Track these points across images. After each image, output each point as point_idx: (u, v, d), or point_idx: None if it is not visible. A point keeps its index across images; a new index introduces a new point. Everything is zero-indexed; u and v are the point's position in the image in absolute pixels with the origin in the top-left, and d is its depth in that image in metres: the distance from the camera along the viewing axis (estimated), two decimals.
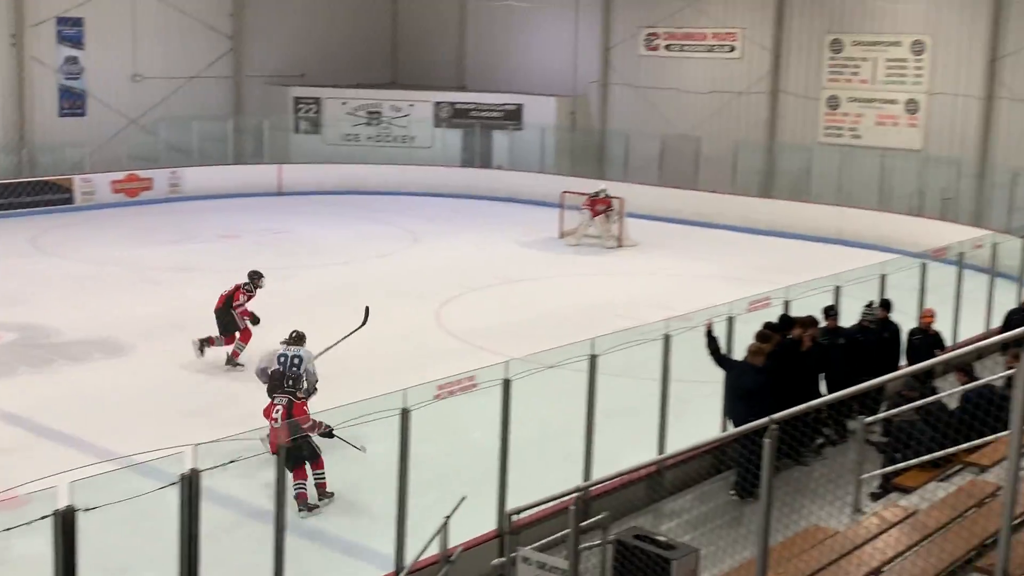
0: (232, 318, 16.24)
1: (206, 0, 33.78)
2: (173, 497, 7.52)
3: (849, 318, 13.53)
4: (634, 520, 10.21)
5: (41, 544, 6.91)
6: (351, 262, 23.50)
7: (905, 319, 14.35)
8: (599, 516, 8.42)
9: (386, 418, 9.14)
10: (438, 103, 35.12)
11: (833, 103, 30.18)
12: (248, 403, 14.45)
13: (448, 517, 8.72)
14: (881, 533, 7.59)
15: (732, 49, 32.00)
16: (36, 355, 16.71)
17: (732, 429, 11.07)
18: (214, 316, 16.43)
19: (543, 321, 18.82)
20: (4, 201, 28.16)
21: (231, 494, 10.88)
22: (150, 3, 32.37)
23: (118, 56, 31.98)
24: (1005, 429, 6.64)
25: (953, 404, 10.39)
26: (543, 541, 8.21)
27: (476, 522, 9.73)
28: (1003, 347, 12.61)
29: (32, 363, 16.35)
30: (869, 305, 13.50)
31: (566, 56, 35.33)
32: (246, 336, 16.22)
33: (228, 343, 16.25)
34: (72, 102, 31.30)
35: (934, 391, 10.34)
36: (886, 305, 13.67)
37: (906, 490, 9.17)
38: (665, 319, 11.83)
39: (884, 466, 9.96)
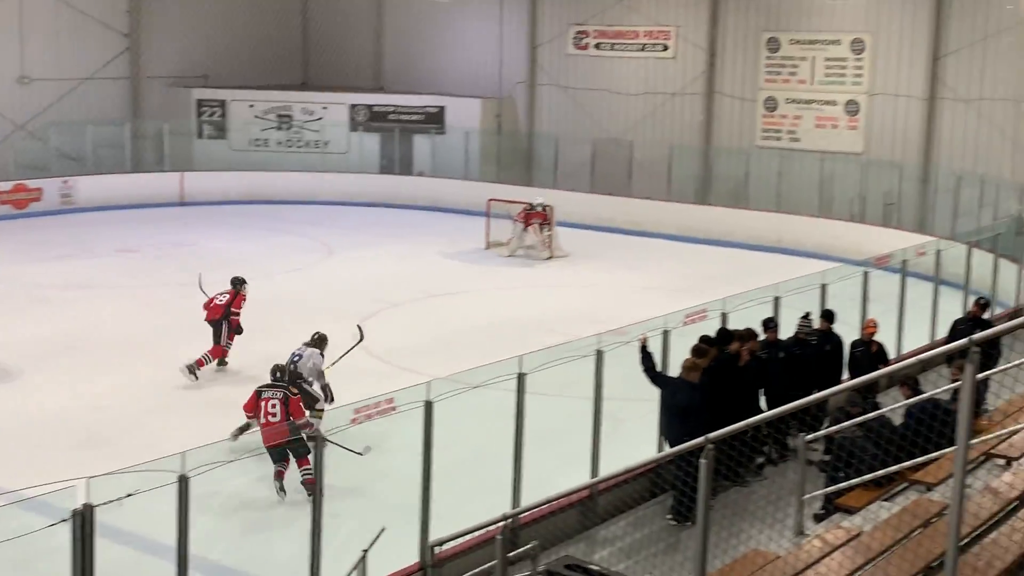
0: (226, 327, 16.96)
1: None
2: (65, 535, 7.37)
3: (790, 330, 13.72)
4: (566, 548, 10.23)
5: None
6: (260, 277, 23.22)
7: (847, 330, 14.59)
8: (528, 545, 8.42)
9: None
10: (354, 105, 34.98)
11: (771, 105, 30.66)
12: (150, 432, 14.24)
13: (366, 550, 8.65)
14: (824, 557, 7.68)
15: (665, 48, 32.37)
16: None
17: (668, 450, 11.15)
18: (211, 326, 16.93)
19: (468, 338, 18.79)
20: None
21: (129, 530, 10.69)
22: None
23: (3, 56, 31.38)
24: (951, 445, 6.78)
25: (898, 419, 10.58)
26: (469, 574, 8.19)
27: (396, 555, 9.68)
28: (948, 359, 12.90)
29: None
30: (805, 316, 13.69)
31: (491, 55, 35.43)
32: (232, 336, 16.94)
33: (215, 355, 16.85)
34: None
35: (876, 406, 10.51)
36: (828, 316, 13.89)
37: (850, 511, 9.31)
38: (597, 334, 11.90)
39: (827, 486, 10.10)
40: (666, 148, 31.97)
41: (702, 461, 6.91)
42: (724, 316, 13.21)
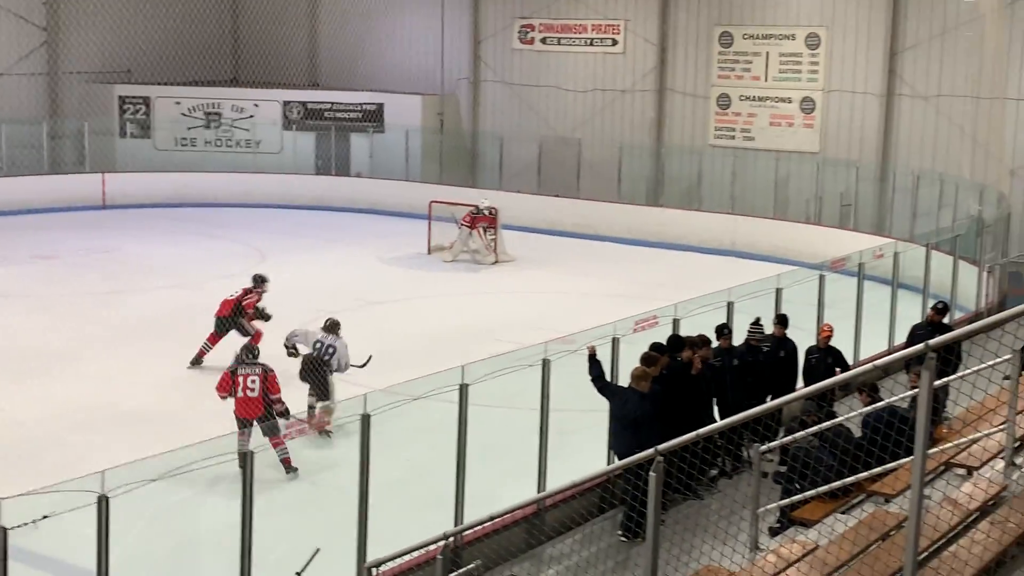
0: (238, 324, 17.48)
1: None
2: None
3: (744, 337, 13.82)
4: (511, 568, 10.23)
5: None
6: (187, 285, 23.06)
7: (803, 336, 14.73)
8: (471, 565, 8.41)
9: (226, 462, 8.99)
10: (287, 103, 34.78)
11: (724, 102, 30.90)
12: (72, 449, 14.05)
13: (299, 573, 8.59)
14: (779, 573, 7.74)
15: (614, 43, 32.52)
16: None
17: (617, 462, 11.18)
18: (215, 321, 17.50)
19: (408, 348, 18.73)
20: None
21: (46, 553, 10.53)
22: None
23: None
24: (910, 454, 6.85)
25: (856, 428, 10.69)
26: None
27: None
28: (906, 365, 13.06)
29: None
30: (756, 322, 13.79)
31: (432, 50, 35.41)
32: (258, 337, 17.08)
33: (212, 342, 17.37)
34: None
35: (832, 415, 10.61)
36: (782, 321, 14.00)
37: (806, 524, 9.39)
38: (544, 342, 11.91)
39: (782, 498, 10.18)
40: (616, 147, 32.11)
41: (652, 474, 6.93)
42: (676, 322, 13.29)
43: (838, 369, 13.60)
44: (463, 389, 10.67)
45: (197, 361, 17.52)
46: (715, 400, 13.08)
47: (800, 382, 13.82)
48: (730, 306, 14.07)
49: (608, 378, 11.94)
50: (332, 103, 34.82)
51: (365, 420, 9.92)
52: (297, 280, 23.18)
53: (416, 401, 10.61)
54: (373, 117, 34.57)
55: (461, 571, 8.32)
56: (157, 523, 11.74)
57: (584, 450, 13.18)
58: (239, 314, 17.59)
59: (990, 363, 9.16)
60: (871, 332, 16.83)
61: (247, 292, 17.86)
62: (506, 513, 9.28)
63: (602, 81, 32.80)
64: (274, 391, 13.43)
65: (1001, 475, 8.52)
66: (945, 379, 10.19)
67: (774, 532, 9.96)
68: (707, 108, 31.23)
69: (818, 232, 27.04)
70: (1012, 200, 25.33)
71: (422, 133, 34.30)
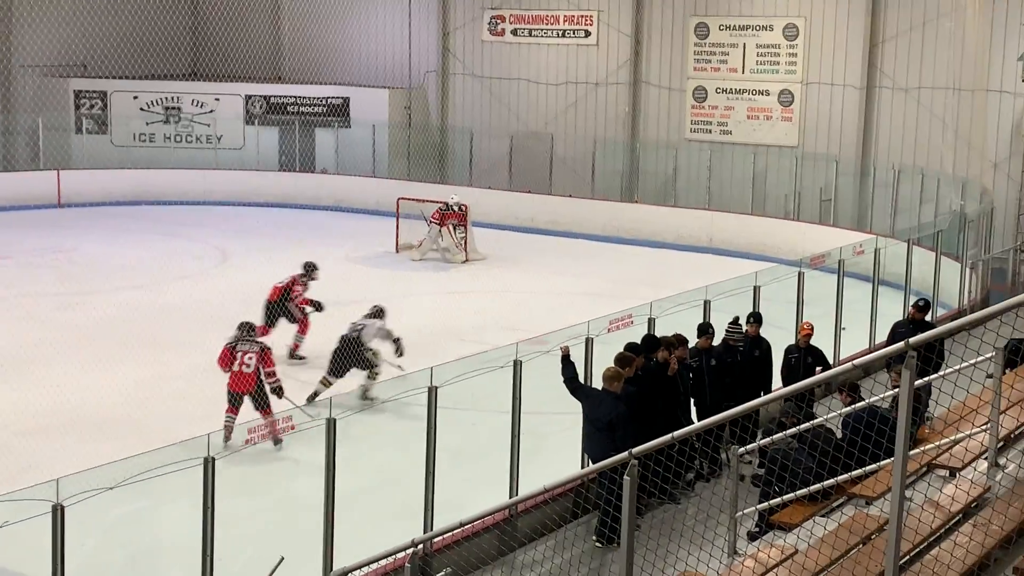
0: (286, 310, 18.05)
1: None
2: None
3: (722, 336, 13.84)
4: (483, 575, 10.22)
5: None
6: (147, 285, 22.93)
7: (783, 335, 14.80)
8: (441, 573, 8.39)
9: (187, 469, 8.94)
10: (249, 97, 34.65)
11: (700, 95, 30.98)
12: (25, 456, 13.94)
13: None
14: None
15: (587, 34, 32.55)
16: None
17: (591, 466, 11.19)
18: (264, 308, 18.00)
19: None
20: None
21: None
22: None
23: None
24: (891, 455, 6.87)
25: (836, 428, 10.73)
26: None
27: None
28: (888, 364, 13.11)
29: None
30: (734, 322, 13.82)
31: (399, 42, 35.34)
32: (304, 328, 18.06)
33: (263, 333, 17.11)
34: None
35: (811, 416, 10.64)
36: (757, 319, 14.04)
37: (785, 527, 9.42)
38: (515, 343, 11.91)
39: (761, 501, 10.21)
40: (589, 142, 32.14)
41: (626, 478, 6.93)
42: (651, 322, 13.32)
43: (819, 369, 13.66)
44: (432, 392, 10.65)
45: (293, 355, 18.18)
46: (693, 401, 13.13)
47: (778, 382, 13.87)
48: (707, 304, 14.11)
49: (582, 379, 11.95)
50: (296, 97, 34.72)
51: (330, 425, 9.89)
52: (260, 280, 23.00)
53: (383, 405, 10.59)
54: (339, 111, 34.47)
55: None
56: (115, 532, 11.68)
57: (557, 454, 13.20)
58: (287, 299, 18.11)
59: (972, 361, 9.21)
60: (852, 330, 16.90)
61: (296, 279, 18.44)
62: (477, 519, 9.26)
63: (575, 74, 32.82)
64: (268, 366, 14.44)
65: (984, 476, 8.57)
66: (927, 378, 10.23)
67: (752, 536, 9.99)
68: (683, 101, 31.29)
69: (797, 228, 27.16)
70: (995, 194, 25.50)
71: (389, 128, 34.23)
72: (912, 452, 9.07)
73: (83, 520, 9.33)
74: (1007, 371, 10.45)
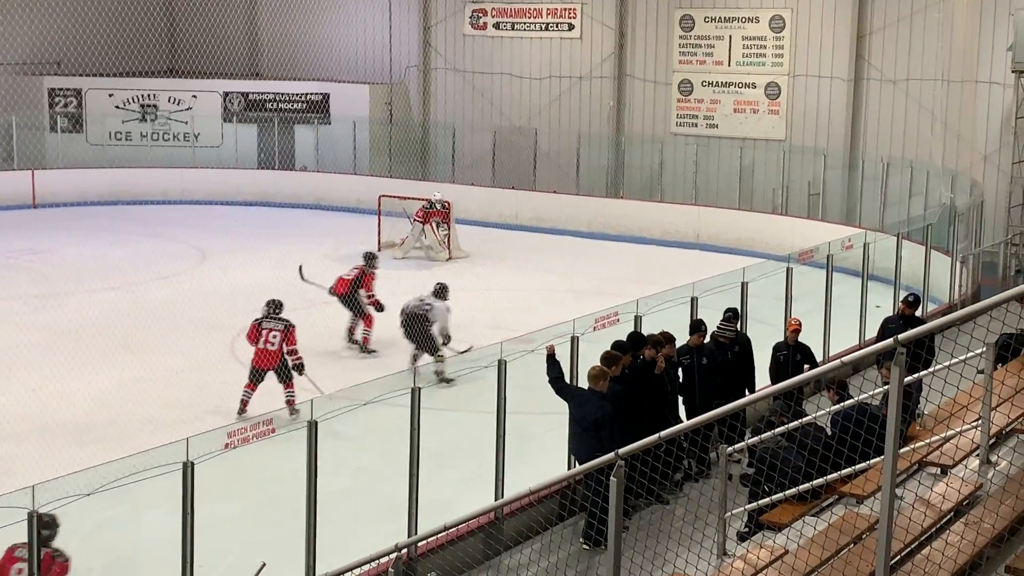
0: (358, 302, 18.69)
1: None
2: None
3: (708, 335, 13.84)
4: None
5: None
6: (124, 287, 22.84)
7: (772, 332, 14.81)
8: None
9: (165, 475, 8.90)
10: (227, 93, 34.55)
11: (686, 88, 31.01)
12: (2, 461, 13.88)
13: None
14: None
15: (571, 27, 32.55)
16: None
17: (577, 467, 11.18)
18: (340, 301, 18.73)
19: (357, 350, 18.68)
20: None
21: None
22: None
23: None
24: (882, 453, 6.87)
25: (825, 426, 10.75)
26: None
27: None
28: (878, 360, 13.13)
29: None
30: (728, 319, 13.80)
31: (380, 36, 35.29)
32: (370, 321, 18.75)
33: (368, 325, 18.65)
34: None
35: (800, 414, 10.66)
36: (734, 315, 14.05)
37: (775, 527, 9.43)
38: (500, 342, 11.89)
39: (750, 501, 10.22)
40: (574, 137, 32.14)
41: (612, 479, 6.92)
42: (638, 319, 13.31)
43: (807, 366, 13.67)
44: (415, 393, 10.64)
45: (363, 345, 18.81)
46: (682, 400, 13.14)
47: (766, 380, 13.87)
48: (694, 301, 14.11)
49: (568, 379, 11.94)
50: (275, 93, 34.63)
51: (312, 427, 9.86)
52: (239, 280, 23.00)
53: (366, 406, 10.56)
54: (318, 108, 34.39)
55: None
56: (93, 539, 11.63)
57: (543, 455, 13.18)
58: (357, 289, 18.73)
59: (963, 357, 9.22)
60: (841, 326, 16.93)
61: (362, 270, 19.03)
62: (462, 522, 9.26)
63: (558, 68, 32.82)
64: (291, 344, 15.42)
65: (976, 474, 8.59)
66: (917, 374, 10.25)
67: (742, 537, 10.00)
68: (668, 95, 31.32)
69: (785, 223, 27.20)
70: (985, 187, 25.58)
71: (370, 124, 34.17)
72: (903, 450, 9.10)
73: (60, 527, 9.29)
74: (998, 367, 10.48)
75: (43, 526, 8.67)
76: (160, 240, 27.87)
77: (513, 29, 33.41)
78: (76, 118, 34.11)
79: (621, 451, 7.09)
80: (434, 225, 26.40)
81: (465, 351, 16.71)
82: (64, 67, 34.59)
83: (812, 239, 20.81)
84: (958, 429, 9.29)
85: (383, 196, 27.60)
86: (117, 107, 34.18)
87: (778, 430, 10.10)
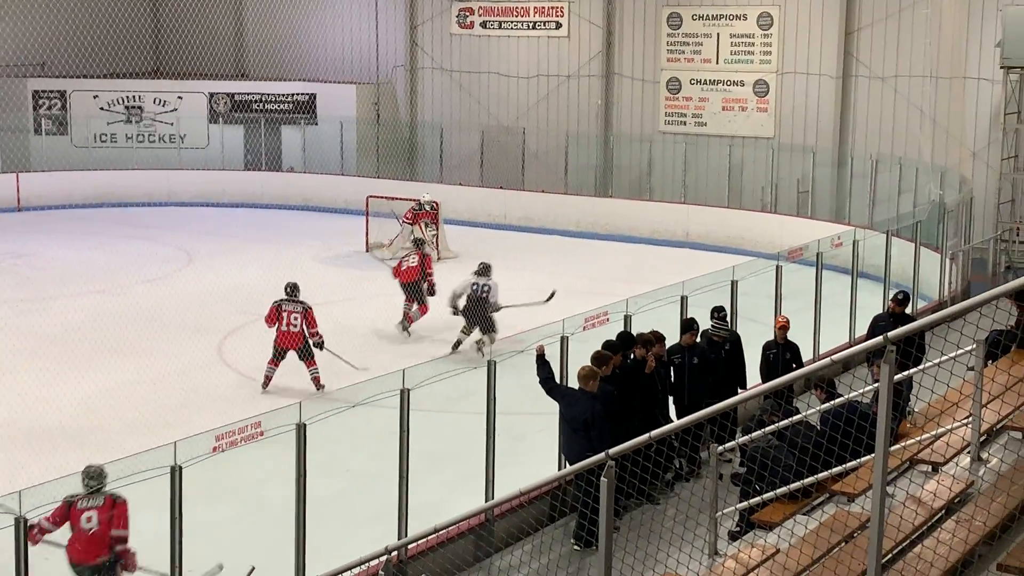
0: (420, 289, 19.80)
1: None
2: None
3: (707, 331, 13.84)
4: None
5: None
6: (110, 290, 22.80)
7: (762, 330, 14.82)
8: None
9: (152, 479, 8.89)
10: (213, 94, 34.50)
11: (674, 86, 31.04)
12: None
13: None
14: None
15: (558, 26, 32.56)
16: None
17: (568, 468, 11.19)
18: (403, 288, 19.81)
19: (346, 351, 18.65)
20: None
21: None
22: None
23: None
24: (872, 452, 6.89)
25: (817, 425, 10.77)
26: None
27: None
28: (868, 358, 13.16)
29: None
30: (720, 318, 13.81)
31: (366, 36, 35.27)
32: (424, 309, 19.85)
33: (424, 311, 19.80)
34: None
35: (790, 413, 10.68)
36: (724, 312, 14.06)
37: (766, 526, 9.44)
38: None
39: (741, 500, 10.24)
40: (562, 136, 32.15)
41: (603, 479, 6.92)
42: (627, 319, 13.32)
43: (795, 366, 13.68)
44: (405, 394, 10.63)
45: (406, 327, 19.87)
46: (673, 399, 13.15)
47: (757, 379, 13.88)
48: (684, 300, 14.12)
49: (558, 379, 11.95)
50: (261, 94, 34.58)
51: (300, 430, 9.86)
52: (227, 282, 23.01)
53: (355, 408, 10.56)
54: (305, 108, 34.36)
55: None
56: None
57: (534, 455, 13.20)
58: (424, 278, 19.89)
59: (953, 354, 9.25)
60: (831, 324, 16.97)
61: (421, 255, 20.17)
62: (452, 524, 9.24)
63: (546, 66, 32.83)
64: (312, 325, 16.60)
65: (967, 471, 8.61)
66: (907, 372, 10.27)
67: (733, 536, 10.02)
68: (656, 93, 31.35)
69: (774, 221, 27.24)
70: (974, 183, 25.65)
71: (357, 124, 34.15)
72: (893, 448, 9.11)
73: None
74: (988, 363, 10.51)
75: (95, 477, 9.40)
76: (146, 242, 27.83)
77: (500, 28, 33.41)
78: (61, 120, 34.03)
79: (612, 451, 7.09)
80: (423, 226, 26.39)
81: (549, 298, 18.86)
82: (48, 69, 34.51)
83: (802, 237, 20.87)
84: (949, 426, 9.31)
85: (371, 197, 27.59)
86: (102, 109, 34.10)
87: (768, 429, 10.12)
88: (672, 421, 11.57)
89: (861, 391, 10.80)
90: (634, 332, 12.91)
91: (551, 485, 11.46)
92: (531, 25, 32.96)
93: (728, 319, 14.04)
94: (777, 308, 15.65)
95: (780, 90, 29.66)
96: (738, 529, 10.26)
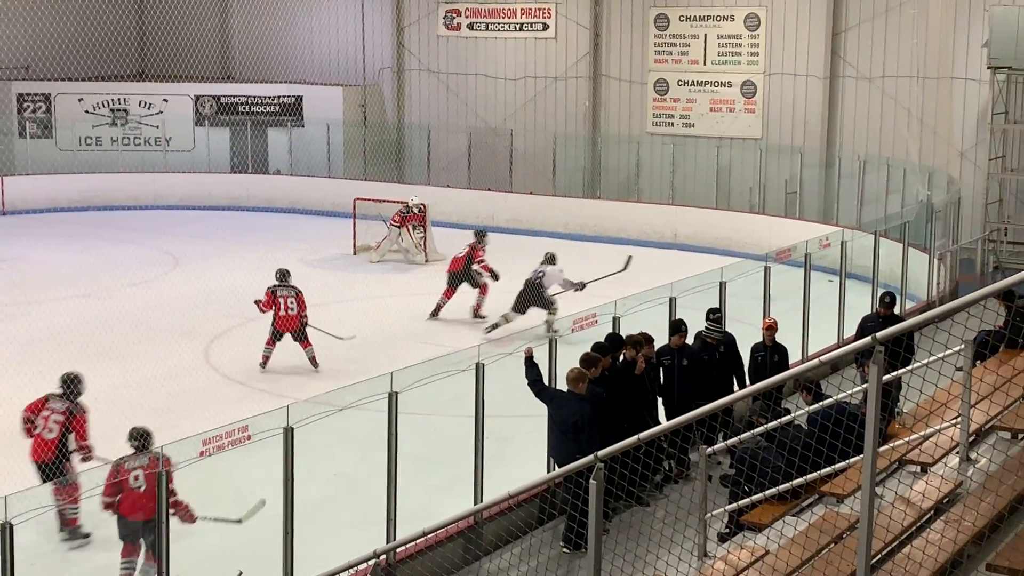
0: (470, 276, 20.95)
1: None
2: None
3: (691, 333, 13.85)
4: None
5: None
6: (95, 294, 22.73)
7: (751, 331, 14.83)
8: None
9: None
10: (198, 97, 34.45)
11: (661, 88, 31.08)
12: None
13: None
14: None
15: (545, 27, 32.58)
16: None
17: (557, 470, 11.19)
18: (448, 276, 21.03)
19: (333, 355, 18.63)
20: None
21: None
22: None
23: None
24: (861, 452, 6.91)
25: (805, 426, 10.79)
26: None
27: None
28: (857, 359, 13.20)
29: None
30: (715, 320, 13.80)
31: (352, 38, 35.25)
32: (484, 289, 20.99)
33: (447, 296, 20.94)
34: None
35: (779, 414, 10.69)
36: (719, 314, 14.06)
37: (755, 528, 9.46)
38: (477, 345, 11.90)
39: (730, 502, 10.25)
40: (549, 137, 32.17)
41: (592, 482, 6.93)
42: (616, 320, 13.32)
43: (784, 367, 13.69)
44: (393, 397, 10.62)
45: (435, 314, 20.92)
46: (662, 401, 13.15)
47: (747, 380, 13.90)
48: (672, 301, 14.13)
49: (546, 381, 11.95)
50: (247, 96, 34.54)
51: (288, 433, 9.84)
52: (213, 286, 22.96)
53: (343, 411, 10.55)
54: (291, 110, 34.32)
55: None
56: (66, 550, 11.58)
57: (523, 458, 13.20)
58: (470, 265, 20.91)
59: (942, 355, 9.28)
60: (819, 325, 16.99)
61: (473, 247, 21.15)
62: (441, 527, 9.25)
63: (533, 68, 32.85)
64: (303, 308, 17.74)
65: (955, 472, 8.64)
66: (896, 372, 10.30)
67: (723, 538, 10.03)
68: (644, 94, 31.39)
69: (762, 222, 27.28)
70: (962, 184, 25.73)
71: (344, 127, 34.13)
72: (882, 448, 9.14)
73: (34, 539, 9.27)
74: (977, 364, 10.55)
75: (140, 437, 10.75)
76: (132, 246, 27.76)
77: (487, 29, 33.42)
78: (45, 123, 33.94)
79: (600, 453, 7.11)
80: (410, 228, 26.39)
81: (626, 265, 20.68)
82: (33, 72, 34.43)
83: (790, 238, 20.89)
84: (937, 427, 9.34)
85: (358, 199, 27.56)
86: (87, 112, 34.02)
87: (757, 430, 10.13)
88: (661, 423, 11.58)
89: (849, 392, 10.83)
90: (623, 334, 12.92)
91: (540, 488, 11.47)
92: (518, 27, 32.98)
93: (719, 321, 14.03)
94: (766, 309, 15.67)
95: (767, 91, 29.71)
96: (727, 531, 10.28)
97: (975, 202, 25.98)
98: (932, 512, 7.94)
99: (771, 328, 14.03)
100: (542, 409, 11.79)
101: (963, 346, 9.02)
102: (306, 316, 17.86)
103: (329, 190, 31.65)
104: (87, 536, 11.71)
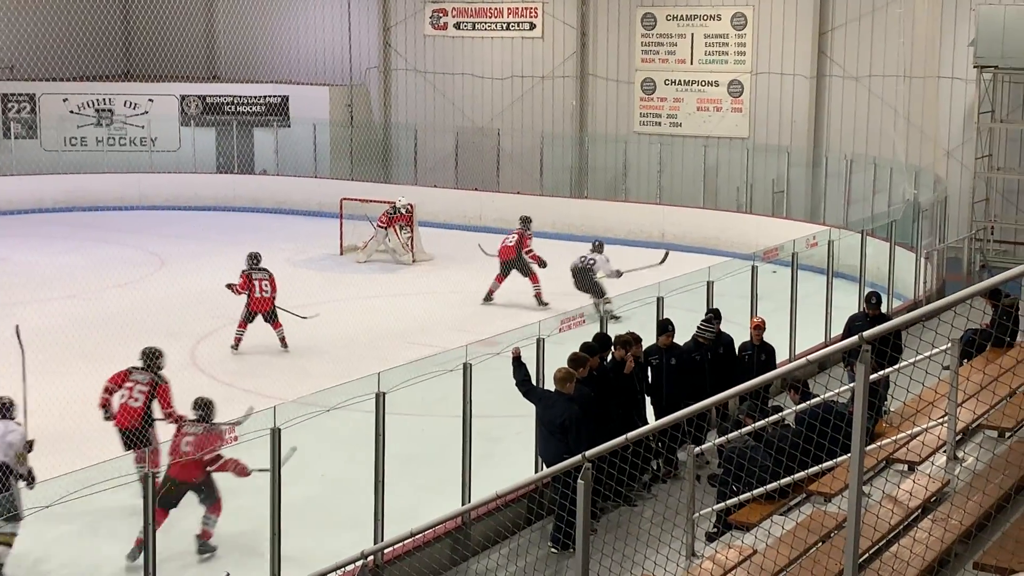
0: (523, 263, 21.57)
1: None
2: None
3: (678, 333, 13.85)
4: None
5: None
6: (80, 295, 22.66)
7: (738, 331, 14.86)
8: None
9: (126, 484, 8.86)
10: (184, 97, 34.38)
11: (649, 87, 31.11)
12: None
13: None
14: None
15: (532, 27, 32.59)
16: None
17: (544, 470, 11.20)
18: (500, 264, 21.70)
19: (320, 355, 18.63)
20: None
21: None
22: None
23: None
24: (849, 451, 6.93)
25: (792, 426, 10.81)
26: None
27: None
28: (845, 358, 13.23)
29: None
30: (709, 320, 13.79)
31: (339, 37, 35.23)
32: (535, 277, 21.59)
33: (499, 281, 21.70)
34: None
35: (768, 413, 10.71)
36: (716, 315, 14.08)
37: (744, 527, 9.48)
38: (465, 345, 11.90)
39: (718, 501, 10.26)
40: (537, 137, 32.18)
41: (579, 482, 6.94)
42: (603, 320, 13.34)
43: (771, 366, 13.70)
44: (380, 397, 10.62)
45: (489, 298, 21.75)
46: (650, 401, 13.15)
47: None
48: (660, 301, 14.14)
49: (534, 381, 11.95)
50: (233, 96, 34.47)
51: (275, 434, 9.83)
52: (199, 286, 22.91)
53: (329, 412, 10.54)
54: (277, 110, 34.28)
55: None
56: (53, 551, 11.55)
57: (511, 458, 13.20)
58: (521, 252, 21.53)
59: (929, 354, 9.31)
60: (807, 324, 17.02)
61: (522, 234, 21.78)
62: (428, 528, 9.26)
63: (520, 67, 32.85)
64: (274, 289, 18.69)
65: (943, 470, 8.67)
66: (883, 371, 10.33)
67: (711, 537, 10.04)
68: (631, 94, 31.41)
69: (750, 221, 27.33)
70: (948, 183, 25.81)
71: (330, 126, 34.09)
72: (870, 447, 9.17)
73: (19, 540, 9.25)
74: (964, 362, 10.59)
75: (204, 407, 11.71)
76: (117, 247, 27.70)
77: (474, 29, 33.42)
78: (30, 124, 33.83)
79: (588, 453, 7.12)
80: (398, 228, 26.38)
81: (664, 259, 21.00)
82: (17, 72, 34.32)
83: (777, 237, 20.95)
84: (925, 426, 9.37)
85: (345, 199, 27.55)
86: (72, 112, 33.93)
87: (745, 429, 10.15)
88: (648, 423, 11.58)
89: (837, 391, 10.86)
90: (611, 334, 12.93)
91: (528, 488, 11.48)
92: (505, 26, 32.98)
93: (712, 322, 13.96)
94: (753, 309, 15.70)
95: (754, 90, 29.76)
96: (715, 530, 10.29)
97: (962, 201, 26.06)
98: (919, 511, 7.97)
99: (759, 327, 14.04)
100: (530, 409, 11.79)
101: (950, 345, 9.06)
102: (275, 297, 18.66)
103: (316, 190, 31.62)
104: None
